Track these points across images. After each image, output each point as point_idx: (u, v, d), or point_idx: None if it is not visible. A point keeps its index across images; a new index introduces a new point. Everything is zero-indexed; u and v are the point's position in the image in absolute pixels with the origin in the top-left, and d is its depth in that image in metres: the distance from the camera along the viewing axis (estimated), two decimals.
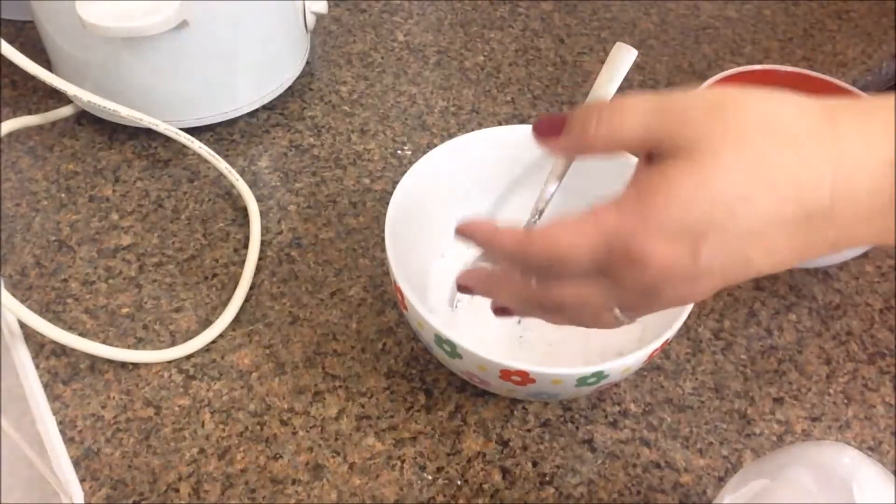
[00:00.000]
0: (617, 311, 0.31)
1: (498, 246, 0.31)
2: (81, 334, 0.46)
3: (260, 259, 0.51)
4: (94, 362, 0.46)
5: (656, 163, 0.28)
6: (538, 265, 0.30)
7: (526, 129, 0.48)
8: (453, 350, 0.38)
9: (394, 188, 0.44)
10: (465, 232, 0.32)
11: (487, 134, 0.47)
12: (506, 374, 0.38)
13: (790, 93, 0.28)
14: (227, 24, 0.53)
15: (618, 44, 0.48)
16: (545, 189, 0.47)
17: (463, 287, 0.35)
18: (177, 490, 0.41)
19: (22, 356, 0.46)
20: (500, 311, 0.36)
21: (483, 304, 0.47)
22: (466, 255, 0.49)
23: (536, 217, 0.48)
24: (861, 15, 0.76)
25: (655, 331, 0.41)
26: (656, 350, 0.39)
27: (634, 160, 0.47)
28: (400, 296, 0.40)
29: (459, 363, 0.39)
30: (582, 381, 0.38)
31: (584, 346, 0.45)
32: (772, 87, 0.58)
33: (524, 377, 0.38)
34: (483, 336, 0.45)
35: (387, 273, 0.51)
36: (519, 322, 0.46)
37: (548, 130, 0.31)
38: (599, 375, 0.38)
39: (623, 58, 0.48)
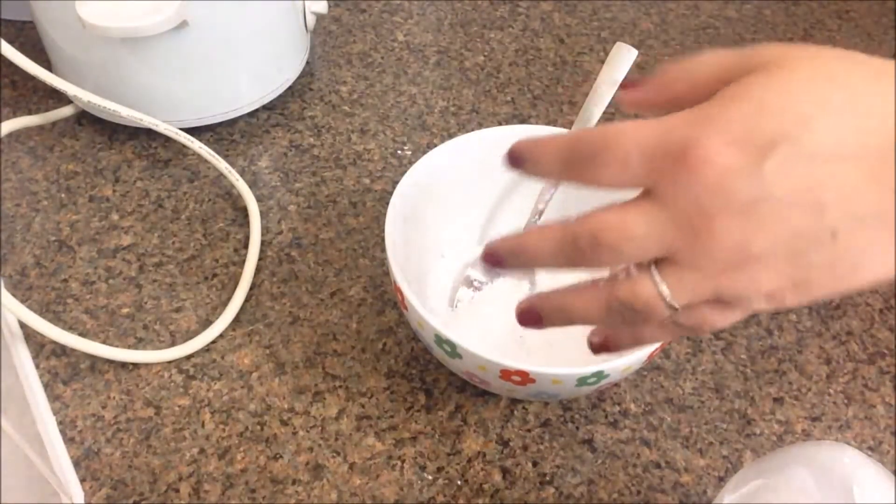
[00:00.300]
0: (658, 278, 0.27)
1: (550, 146, 0.28)
2: (81, 334, 0.46)
3: (260, 259, 0.51)
4: (95, 362, 0.46)
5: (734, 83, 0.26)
6: (587, 150, 0.27)
7: (526, 129, 0.48)
8: (453, 350, 0.38)
9: (394, 188, 0.44)
10: (513, 153, 0.29)
11: (487, 134, 0.47)
12: (506, 373, 0.38)
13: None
14: (227, 24, 0.53)
15: (618, 43, 0.48)
16: (545, 189, 0.48)
17: (490, 256, 0.31)
18: (177, 490, 0.41)
19: (22, 356, 0.46)
20: (525, 314, 0.31)
21: (483, 303, 0.47)
22: (466, 255, 0.49)
23: (536, 217, 0.48)
24: (861, 15, 0.76)
25: None
26: (656, 350, 0.39)
27: None
28: (400, 296, 0.40)
29: (459, 363, 0.39)
30: (582, 380, 0.38)
31: (585, 346, 0.45)
32: None
33: (524, 377, 0.38)
34: (483, 336, 0.45)
35: (387, 273, 0.51)
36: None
37: (631, 85, 0.30)
38: (599, 375, 0.38)
39: (623, 57, 0.48)
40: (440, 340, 0.39)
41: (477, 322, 0.46)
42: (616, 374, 0.39)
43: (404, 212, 0.44)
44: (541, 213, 0.48)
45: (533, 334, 0.46)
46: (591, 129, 0.28)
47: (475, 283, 0.48)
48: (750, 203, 0.24)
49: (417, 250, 0.46)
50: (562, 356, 0.45)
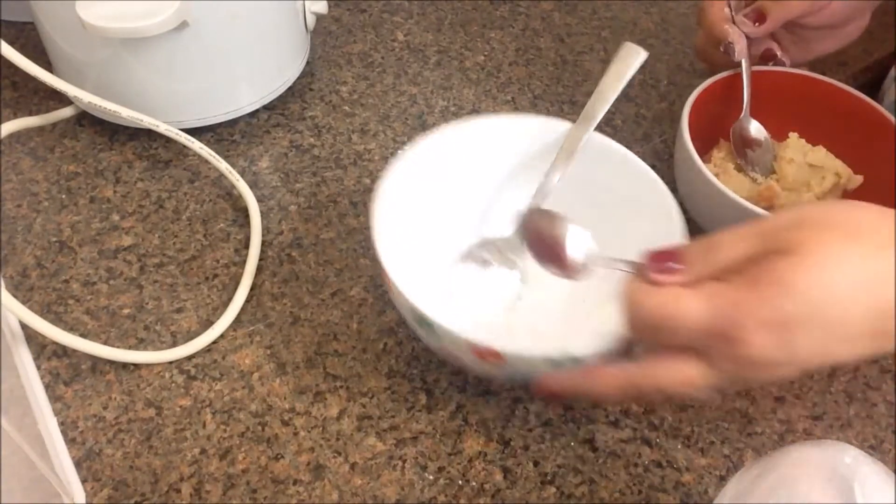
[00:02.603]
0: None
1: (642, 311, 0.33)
2: (83, 335, 0.46)
3: (261, 259, 0.51)
4: (96, 363, 0.46)
5: (764, 261, 0.31)
6: (651, 323, 0.33)
7: (523, 120, 0.48)
8: (428, 326, 0.39)
9: None
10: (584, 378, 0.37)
11: (484, 122, 0.47)
12: (478, 352, 0.38)
13: (864, 204, 0.33)
14: (227, 25, 0.53)
15: (627, 44, 0.48)
16: (546, 180, 0.47)
17: (545, 392, 0.38)
18: (178, 490, 0.41)
19: (23, 357, 0.46)
20: (546, 394, 0.39)
21: (479, 293, 0.47)
22: (462, 245, 0.49)
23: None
24: None
25: None
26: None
27: (635, 164, 0.47)
28: (385, 279, 0.40)
29: (436, 341, 0.40)
30: (556, 364, 0.38)
31: (571, 335, 0.45)
32: (771, 86, 0.57)
33: (496, 357, 0.38)
34: (477, 323, 0.45)
35: None
36: (514, 311, 0.46)
37: (664, 270, 0.34)
38: (574, 360, 0.38)
39: (631, 58, 0.48)
40: (418, 318, 0.39)
41: (473, 310, 0.46)
42: (591, 360, 0.38)
43: (398, 202, 0.44)
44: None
45: (521, 323, 0.46)
46: (648, 298, 0.33)
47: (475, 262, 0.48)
48: (777, 365, 0.32)
49: (411, 241, 0.46)
50: (545, 343, 0.45)
